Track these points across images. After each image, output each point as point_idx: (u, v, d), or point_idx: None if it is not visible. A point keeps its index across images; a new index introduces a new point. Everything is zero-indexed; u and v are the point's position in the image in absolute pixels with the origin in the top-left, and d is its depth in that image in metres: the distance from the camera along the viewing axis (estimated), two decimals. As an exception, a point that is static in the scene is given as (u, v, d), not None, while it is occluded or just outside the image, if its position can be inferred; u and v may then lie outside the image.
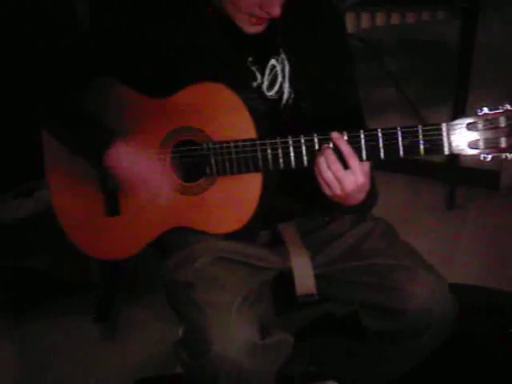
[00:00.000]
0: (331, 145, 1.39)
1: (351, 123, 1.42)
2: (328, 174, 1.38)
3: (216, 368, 1.39)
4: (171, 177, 1.53)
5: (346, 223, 1.66)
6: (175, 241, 1.59)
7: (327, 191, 1.41)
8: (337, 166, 1.38)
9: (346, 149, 1.38)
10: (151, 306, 2.46)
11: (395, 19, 2.69)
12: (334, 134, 1.39)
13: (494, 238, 2.95)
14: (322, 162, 1.39)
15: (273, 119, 1.51)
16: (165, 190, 1.51)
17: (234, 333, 1.39)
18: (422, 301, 1.50)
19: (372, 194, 1.49)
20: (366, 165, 1.40)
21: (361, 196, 1.45)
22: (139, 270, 2.20)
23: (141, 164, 1.49)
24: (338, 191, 1.40)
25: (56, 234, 1.67)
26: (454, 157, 3.10)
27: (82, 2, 2.13)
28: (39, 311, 2.49)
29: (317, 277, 1.60)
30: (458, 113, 2.88)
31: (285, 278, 1.60)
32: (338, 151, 1.38)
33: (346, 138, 1.39)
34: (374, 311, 1.59)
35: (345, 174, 1.38)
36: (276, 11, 1.40)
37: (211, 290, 1.47)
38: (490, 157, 1.35)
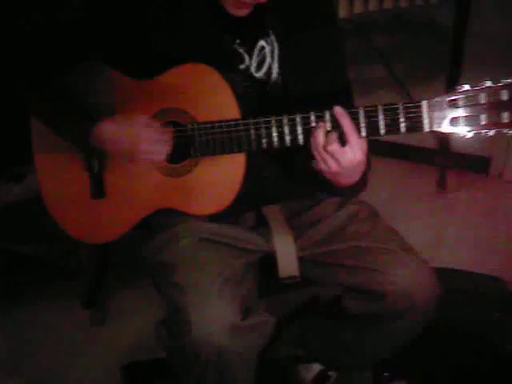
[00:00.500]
0: (328, 122, 1.40)
1: (340, 103, 1.41)
2: (326, 149, 1.39)
3: (197, 348, 1.39)
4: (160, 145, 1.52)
5: (331, 206, 1.67)
6: (159, 222, 1.60)
7: (323, 166, 1.42)
8: (336, 141, 1.38)
9: (348, 124, 1.38)
10: (140, 291, 2.44)
11: (388, 3, 2.68)
12: (338, 109, 1.39)
13: (484, 222, 2.95)
14: (320, 136, 1.39)
15: (260, 100, 1.52)
16: (158, 156, 1.50)
17: (215, 313, 1.39)
18: (403, 283, 1.51)
19: (365, 176, 1.50)
20: (365, 143, 1.41)
21: (355, 175, 1.46)
22: (128, 255, 2.20)
23: (127, 136, 1.48)
24: (334, 166, 1.40)
25: (45, 219, 1.67)
26: (445, 141, 3.11)
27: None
28: (28, 296, 2.48)
29: (300, 259, 1.60)
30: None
31: (269, 261, 1.61)
32: (335, 127, 1.39)
33: (361, 112, 1.39)
34: (356, 293, 1.60)
35: (343, 149, 1.38)
36: None
37: (193, 271, 1.47)
38: (470, 134, 1.35)
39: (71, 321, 2.43)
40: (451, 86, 2.90)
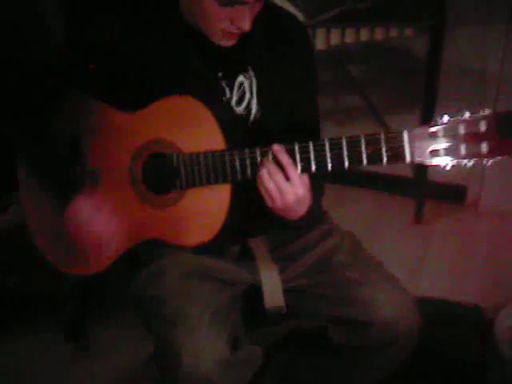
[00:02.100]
0: (271, 157, 1.42)
1: (309, 136, 1.44)
2: (270, 185, 1.41)
3: (187, 381, 1.39)
4: (142, 190, 1.54)
5: (314, 238, 1.68)
6: (145, 255, 1.60)
7: (269, 203, 1.44)
8: (278, 176, 1.40)
9: (286, 160, 1.40)
10: (123, 324, 2.43)
11: (364, 35, 2.73)
12: (275, 146, 1.41)
13: (460, 251, 2.98)
14: (264, 172, 1.41)
15: (241, 134, 1.53)
16: (120, 241, 1.54)
17: (205, 347, 1.39)
18: (388, 314, 1.52)
19: (311, 212, 1.51)
20: (305, 177, 1.43)
21: (302, 209, 1.48)
22: (111, 288, 2.18)
23: (96, 222, 1.52)
24: (278, 202, 1.42)
25: (27, 250, 1.66)
26: (422, 171, 3.15)
27: (55, 16, 2.13)
28: (9, 330, 2.45)
29: (286, 290, 1.61)
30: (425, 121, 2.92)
31: (254, 292, 1.61)
32: (278, 163, 1.41)
33: (296, 148, 1.41)
34: (342, 325, 1.60)
35: (285, 184, 1.40)
36: (246, 25, 1.42)
37: (181, 305, 1.47)
38: (450, 164, 1.37)
39: (54, 354, 2.40)
40: (426, 115, 2.96)
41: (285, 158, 1.40)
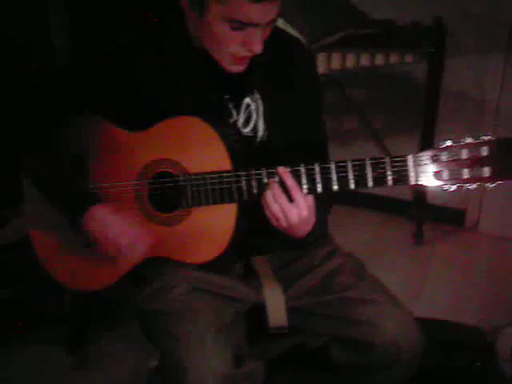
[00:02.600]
0: (277, 179, 1.45)
1: (317, 157, 1.47)
2: (274, 207, 1.44)
3: None
4: (148, 208, 1.56)
5: (318, 258, 1.70)
6: (150, 271, 1.61)
7: (274, 223, 1.47)
8: (282, 198, 1.43)
9: (291, 182, 1.44)
10: (124, 336, 2.44)
11: (364, 60, 2.77)
12: (280, 169, 1.45)
13: (460, 273, 3.00)
14: (269, 194, 1.44)
15: (248, 155, 1.55)
16: (136, 254, 1.54)
17: (209, 363, 1.41)
18: (390, 334, 1.53)
19: (316, 229, 1.53)
20: (310, 199, 1.46)
21: (305, 229, 1.50)
22: (113, 300, 2.20)
23: (112, 232, 1.51)
24: (283, 223, 1.45)
25: (30, 263, 1.67)
26: (421, 194, 3.17)
27: (60, 37, 2.16)
28: (11, 341, 2.46)
29: (288, 309, 1.62)
30: (424, 146, 2.94)
31: (258, 310, 1.62)
32: (284, 185, 1.44)
33: (302, 170, 1.45)
34: (344, 344, 1.61)
35: (290, 206, 1.43)
36: (258, 48, 1.44)
37: (186, 321, 1.48)
38: (453, 187, 1.40)
39: (53, 366, 2.41)
40: (425, 139, 2.99)
41: (289, 180, 1.44)
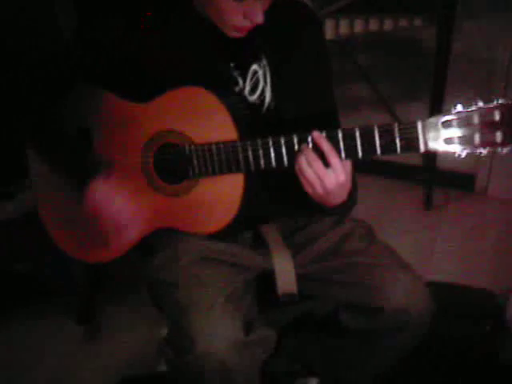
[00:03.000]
0: (310, 144, 1.42)
1: (328, 125, 1.44)
2: (309, 172, 1.41)
3: (201, 365, 1.41)
4: (155, 179, 1.56)
5: (327, 224, 1.70)
6: (159, 241, 1.61)
7: (309, 189, 1.44)
8: (318, 163, 1.40)
9: (327, 147, 1.40)
10: (135, 306, 2.47)
11: (373, 26, 2.74)
12: (315, 133, 1.41)
13: (470, 237, 3.00)
14: (303, 160, 1.41)
15: (255, 123, 1.54)
16: (135, 229, 1.55)
17: (218, 330, 1.41)
18: (400, 299, 1.53)
19: (352, 196, 1.52)
20: (348, 164, 1.43)
21: (342, 195, 1.48)
22: (123, 270, 2.21)
23: (114, 206, 1.52)
24: (319, 189, 1.42)
25: (38, 236, 1.68)
26: (431, 159, 3.16)
27: (64, 9, 2.14)
28: (22, 314, 2.49)
29: (298, 276, 1.62)
30: (433, 111, 2.92)
31: (267, 277, 1.63)
32: (318, 150, 1.41)
33: (340, 135, 1.41)
34: (353, 310, 1.62)
35: (326, 171, 1.40)
36: (259, 19, 1.43)
37: (195, 289, 1.49)
38: (464, 153, 1.37)
39: (65, 337, 2.45)
40: (435, 105, 2.96)
41: (325, 145, 1.40)
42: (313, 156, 1.41)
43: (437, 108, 2.92)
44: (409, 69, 3.27)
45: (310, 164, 1.41)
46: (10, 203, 2.51)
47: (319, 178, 1.41)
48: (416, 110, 3.21)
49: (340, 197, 1.48)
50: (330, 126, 1.43)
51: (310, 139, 1.42)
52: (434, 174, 3.20)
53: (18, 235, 2.50)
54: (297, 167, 1.43)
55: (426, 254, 2.86)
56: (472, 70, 3.10)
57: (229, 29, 1.48)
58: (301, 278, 1.63)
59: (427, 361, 2.06)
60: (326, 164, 1.40)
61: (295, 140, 1.43)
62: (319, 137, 1.41)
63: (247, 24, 1.45)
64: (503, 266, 2.75)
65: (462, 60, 3.06)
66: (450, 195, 3.31)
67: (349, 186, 1.47)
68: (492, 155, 3.12)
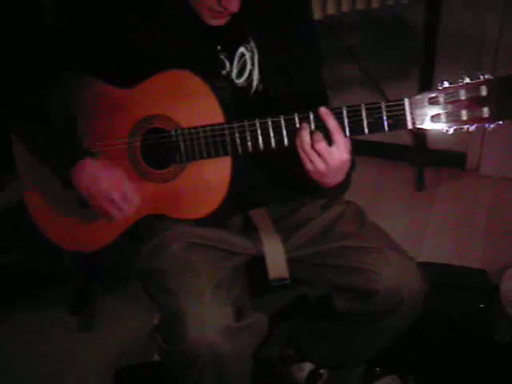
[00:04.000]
0: (313, 123, 1.41)
1: (319, 105, 1.43)
2: (312, 149, 1.40)
3: (193, 352, 1.40)
4: (141, 165, 1.54)
5: (317, 207, 1.68)
6: (148, 228, 1.60)
7: (310, 167, 1.43)
8: (322, 140, 1.39)
9: (334, 124, 1.39)
10: (128, 295, 2.46)
11: (361, 4, 2.71)
12: (323, 109, 1.40)
13: (462, 216, 3.00)
14: (306, 136, 1.40)
15: (242, 107, 1.52)
16: (127, 210, 1.51)
17: (209, 317, 1.41)
18: (392, 281, 1.53)
19: (349, 176, 1.52)
20: (349, 142, 1.42)
21: (340, 175, 1.48)
22: (115, 259, 2.20)
23: (103, 186, 1.49)
24: (321, 166, 1.41)
25: (28, 227, 1.66)
26: (422, 139, 3.15)
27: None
28: (14, 305, 2.48)
29: (289, 261, 1.62)
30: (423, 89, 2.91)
31: (258, 263, 1.62)
32: (321, 127, 1.40)
33: (345, 112, 1.40)
34: (346, 293, 1.62)
35: (330, 148, 1.40)
36: (234, 6, 1.41)
37: (185, 276, 1.48)
38: (452, 130, 1.37)
39: (59, 328, 2.43)
40: (424, 83, 2.95)
41: (332, 122, 1.39)
42: (318, 133, 1.40)
43: (426, 86, 2.90)
44: (397, 48, 3.25)
45: (313, 141, 1.40)
46: (1, 194, 2.50)
47: (322, 155, 1.40)
48: (405, 89, 3.18)
49: (338, 176, 1.48)
50: (320, 103, 1.43)
51: (311, 118, 1.41)
52: (425, 153, 3.20)
53: (7, 226, 2.48)
54: (300, 145, 1.42)
55: (419, 234, 2.86)
56: (461, 46, 3.07)
57: (206, 16, 1.46)
58: (292, 262, 1.62)
59: (421, 341, 2.06)
60: (329, 141, 1.40)
61: (296, 119, 1.42)
62: (326, 113, 1.40)
63: (221, 10, 1.43)
64: (496, 245, 2.75)
65: (451, 38, 3.04)
66: (441, 175, 3.30)
67: (348, 165, 1.46)
68: (482, 133, 3.12)
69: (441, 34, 2.95)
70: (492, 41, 3.01)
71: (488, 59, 3.03)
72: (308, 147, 1.40)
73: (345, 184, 1.53)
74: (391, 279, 1.53)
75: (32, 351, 2.34)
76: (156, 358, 1.99)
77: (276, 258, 1.61)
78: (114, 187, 1.48)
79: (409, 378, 2.01)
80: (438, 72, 2.97)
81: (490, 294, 2.23)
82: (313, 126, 1.42)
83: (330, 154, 1.40)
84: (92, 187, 1.49)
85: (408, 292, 1.53)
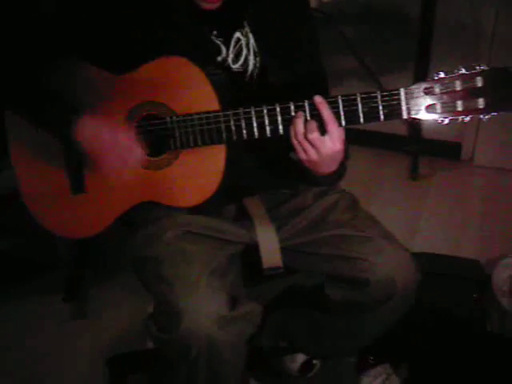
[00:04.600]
0: (308, 113, 1.41)
1: (316, 92, 1.43)
2: (305, 138, 1.40)
3: (186, 340, 1.40)
4: (136, 151, 1.53)
5: (311, 196, 1.68)
6: (142, 216, 1.60)
7: (302, 156, 1.43)
8: (315, 130, 1.39)
9: (328, 113, 1.39)
10: (121, 283, 2.46)
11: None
12: (318, 98, 1.40)
13: (456, 207, 3.00)
14: (300, 125, 1.40)
15: (238, 92, 1.52)
16: (131, 162, 1.48)
17: (203, 305, 1.40)
18: (385, 271, 1.52)
19: (343, 165, 1.52)
20: (343, 132, 1.42)
21: (333, 164, 1.48)
22: (108, 247, 2.20)
23: (107, 136, 1.46)
24: (313, 156, 1.42)
25: (21, 214, 1.65)
26: (417, 129, 3.14)
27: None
28: (7, 293, 2.48)
29: (283, 249, 1.61)
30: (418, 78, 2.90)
31: (252, 251, 1.62)
32: (315, 116, 1.40)
33: (340, 101, 1.40)
34: (339, 282, 1.61)
35: (323, 138, 1.40)
36: None
37: (179, 265, 1.48)
38: (447, 120, 1.38)
39: (52, 315, 2.43)
40: (420, 74, 2.94)
41: (326, 111, 1.39)
42: (312, 122, 1.40)
43: (422, 76, 2.89)
44: (393, 39, 3.24)
45: (307, 130, 1.40)
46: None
47: (315, 144, 1.40)
48: (401, 79, 3.18)
49: (332, 166, 1.48)
50: (319, 90, 1.43)
51: (306, 106, 1.42)
52: (419, 143, 3.20)
53: (2, 213, 2.47)
54: (293, 134, 1.42)
55: (413, 224, 2.87)
56: (457, 37, 3.07)
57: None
58: (286, 251, 1.62)
59: (414, 330, 2.06)
60: (323, 131, 1.40)
61: (292, 107, 1.42)
62: (321, 102, 1.40)
63: None
64: (489, 235, 2.76)
65: (447, 28, 3.03)
66: (436, 165, 3.31)
67: (342, 155, 1.46)
68: (477, 123, 3.12)
69: (437, 23, 2.94)
70: (488, 31, 3.01)
71: (484, 49, 3.03)
72: (301, 137, 1.41)
73: (339, 173, 1.53)
74: (384, 269, 1.53)
75: (23, 338, 2.34)
76: (150, 345, 2.00)
77: (270, 247, 1.61)
78: (115, 143, 1.45)
79: (402, 367, 2.01)
80: (434, 62, 2.96)
81: (483, 284, 2.23)
82: (308, 115, 1.42)
83: (322, 144, 1.40)
84: (93, 142, 1.46)
85: (401, 282, 1.53)
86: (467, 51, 3.03)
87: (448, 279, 2.27)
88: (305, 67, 1.62)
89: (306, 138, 1.40)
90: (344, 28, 3.24)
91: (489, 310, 2.18)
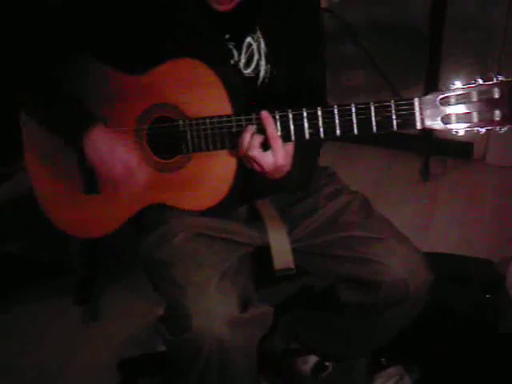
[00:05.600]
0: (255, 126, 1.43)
1: (314, 101, 1.44)
2: (247, 154, 1.43)
3: (198, 343, 1.40)
4: (148, 154, 1.53)
5: (323, 197, 1.68)
6: (153, 218, 1.59)
7: (248, 166, 1.47)
8: (256, 148, 1.42)
9: (272, 130, 1.41)
10: (133, 286, 2.46)
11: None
12: (264, 114, 1.42)
13: (468, 206, 2.99)
14: (244, 140, 1.43)
15: (249, 97, 1.51)
16: (138, 177, 1.52)
17: (214, 308, 1.40)
18: (398, 272, 1.52)
19: (291, 175, 1.51)
20: (290, 147, 1.44)
21: (280, 174, 1.49)
22: (120, 249, 2.20)
23: (116, 152, 1.49)
24: (257, 168, 1.45)
25: (32, 216, 1.66)
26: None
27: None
28: (18, 296, 2.48)
29: (294, 251, 1.61)
30: (429, 88, 2.90)
31: (263, 253, 1.61)
32: (261, 131, 1.42)
33: (291, 116, 1.41)
34: (351, 284, 1.61)
35: (265, 154, 1.43)
36: None
37: (190, 267, 1.48)
38: (462, 132, 1.37)
39: (64, 319, 2.43)
40: (430, 83, 2.93)
41: (270, 128, 1.41)
42: (255, 138, 1.42)
43: (433, 76, 2.89)
44: (404, 51, 3.23)
45: (249, 147, 1.43)
46: (8, 184, 2.49)
47: (257, 160, 1.43)
48: (412, 82, 3.18)
49: (278, 175, 1.49)
50: (316, 102, 1.43)
51: (254, 120, 1.44)
52: (431, 143, 3.18)
53: (14, 216, 2.48)
54: (237, 147, 1.45)
55: (425, 224, 2.86)
56: (468, 36, 3.06)
57: (213, 2, 1.46)
58: (298, 252, 1.62)
59: (427, 331, 2.05)
60: (266, 147, 1.42)
61: (304, 114, 1.42)
62: (266, 117, 1.42)
63: None
64: (502, 234, 2.75)
65: (458, 27, 3.02)
66: (447, 164, 3.30)
67: (287, 168, 1.47)
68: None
69: (447, 22, 2.93)
70: (499, 29, 2.99)
71: (495, 48, 3.01)
72: (241, 154, 1.44)
73: (289, 179, 1.53)
74: (397, 270, 1.52)
75: (38, 342, 2.34)
76: (160, 348, 1.99)
77: (281, 248, 1.60)
78: (127, 151, 1.49)
79: (414, 369, 2.00)
80: (445, 67, 2.95)
81: (496, 284, 2.22)
82: (255, 129, 1.43)
83: (263, 159, 1.43)
84: (103, 154, 1.49)
85: (414, 283, 1.53)
86: (479, 49, 3.02)
87: (460, 279, 2.26)
88: (309, 76, 1.62)
89: (247, 154, 1.43)
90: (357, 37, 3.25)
91: (502, 309, 2.17)
